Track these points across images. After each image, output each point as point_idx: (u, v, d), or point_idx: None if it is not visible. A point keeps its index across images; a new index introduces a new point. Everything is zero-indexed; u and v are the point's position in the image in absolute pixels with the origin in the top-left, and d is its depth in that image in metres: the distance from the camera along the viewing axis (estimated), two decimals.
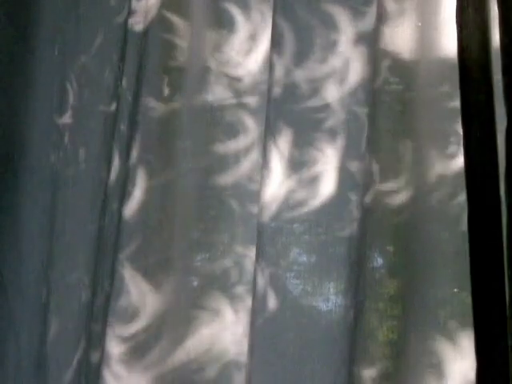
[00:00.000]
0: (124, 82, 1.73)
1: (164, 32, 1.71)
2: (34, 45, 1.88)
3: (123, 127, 1.71)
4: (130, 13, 1.75)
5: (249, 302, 1.53)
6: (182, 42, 1.72)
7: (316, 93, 1.55)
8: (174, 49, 1.71)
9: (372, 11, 1.51)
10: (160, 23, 1.71)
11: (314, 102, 1.55)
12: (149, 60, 1.70)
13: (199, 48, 1.70)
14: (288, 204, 1.53)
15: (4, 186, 1.85)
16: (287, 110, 1.56)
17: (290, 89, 1.56)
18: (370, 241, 1.45)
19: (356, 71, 1.54)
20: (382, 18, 1.48)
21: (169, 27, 1.72)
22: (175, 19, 1.72)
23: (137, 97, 1.68)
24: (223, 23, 1.70)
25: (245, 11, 1.69)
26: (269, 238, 1.53)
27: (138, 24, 1.74)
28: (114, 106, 1.76)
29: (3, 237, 1.83)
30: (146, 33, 1.72)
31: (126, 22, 1.76)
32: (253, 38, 1.68)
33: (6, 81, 1.89)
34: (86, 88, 1.83)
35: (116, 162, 1.71)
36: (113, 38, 1.80)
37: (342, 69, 1.55)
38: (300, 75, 1.56)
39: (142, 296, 1.61)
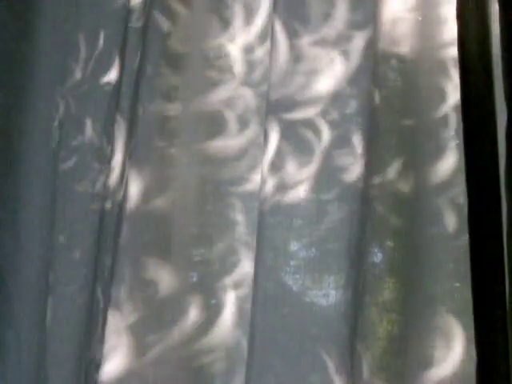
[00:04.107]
0: (125, 76, 1.73)
1: (165, 21, 1.71)
2: (35, 41, 1.88)
3: (123, 120, 1.71)
4: (131, 5, 1.75)
5: (249, 296, 1.53)
6: (182, 31, 1.71)
7: (314, 88, 1.55)
8: (175, 38, 1.71)
9: (371, 7, 1.51)
10: (161, 12, 1.71)
11: (311, 96, 1.55)
12: (149, 51, 1.69)
13: (200, 37, 1.70)
14: (287, 199, 1.53)
15: (4, 180, 1.85)
16: (285, 105, 1.55)
17: (289, 84, 1.55)
18: (370, 236, 1.45)
19: (354, 66, 1.53)
20: (381, 13, 1.48)
21: (170, 16, 1.71)
22: (176, 7, 1.71)
23: (137, 90, 1.68)
24: (223, 13, 1.70)
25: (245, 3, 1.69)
26: (268, 232, 1.53)
27: (138, 17, 1.74)
28: (114, 100, 1.76)
29: (3, 231, 1.83)
30: (146, 24, 1.71)
31: (126, 14, 1.76)
32: (252, 29, 1.67)
33: (6, 76, 1.88)
34: (86, 82, 1.83)
35: (116, 156, 1.71)
36: (114, 30, 1.80)
37: (340, 63, 1.55)
38: (298, 70, 1.56)
39: (141, 290, 1.61)
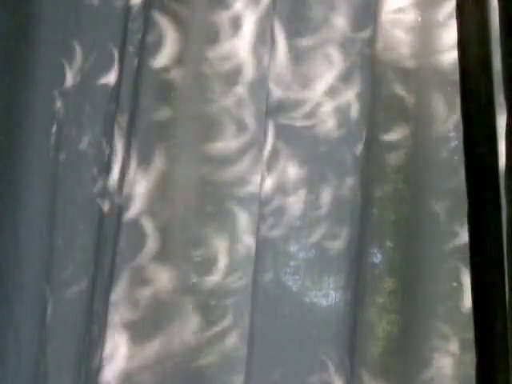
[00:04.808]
0: (124, 76, 1.73)
1: (164, 21, 1.70)
2: (34, 41, 1.88)
3: (123, 121, 1.71)
4: (130, 4, 1.75)
5: (249, 297, 1.53)
6: (182, 31, 1.71)
7: (313, 89, 1.55)
8: (174, 38, 1.71)
9: (371, 8, 1.51)
10: (160, 12, 1.71)
11: (310, 97, 1.55)
12: (149, 51, 1.69)
13: (199, 37, 1.70)
14: (287, 199, 1.53)
15: (4, 180, 1.85)
16: (284, 106, 1.55)
17: (288, 85, 1.55)
18: (369, 236, 1.45)
19: (353, 67, 1.53)
20: (381, 14, 1.48)
21: (169, 15, 1.71)
22: (176, 7, 1.71)
23: (136, 91, 1.68)
24: (223, 12, 1.69)
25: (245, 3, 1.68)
26: (268, 233, 1.53)
27: (137, 16, 1.74)
28: (113, 101, 1.76)
29: (3, 231, 1.83)
30: (145, 24, 1.71)
31: (126, 14, 1.75)
32: (252, 29, 1.67)
33: (6, 76, 1.88)
34: (85, 82, 1.83)
35: (116, 156, 1.71)
36: (113, 30, 1.80)
37: (339, 64, 1.55)
38: (297, 71, 1.56)
39: (141, 291, 1.61)
